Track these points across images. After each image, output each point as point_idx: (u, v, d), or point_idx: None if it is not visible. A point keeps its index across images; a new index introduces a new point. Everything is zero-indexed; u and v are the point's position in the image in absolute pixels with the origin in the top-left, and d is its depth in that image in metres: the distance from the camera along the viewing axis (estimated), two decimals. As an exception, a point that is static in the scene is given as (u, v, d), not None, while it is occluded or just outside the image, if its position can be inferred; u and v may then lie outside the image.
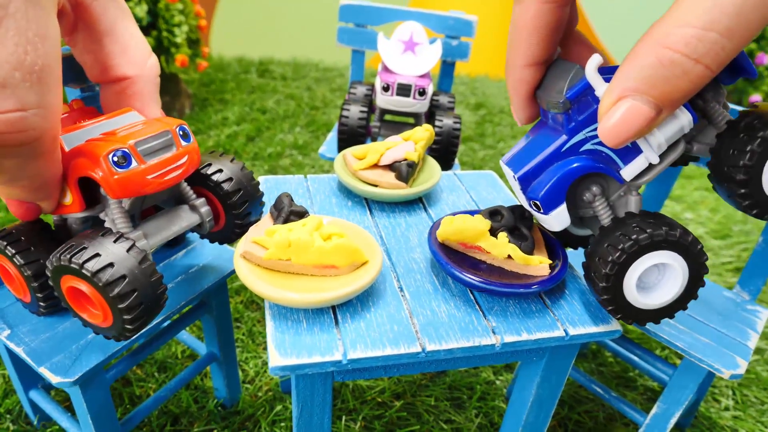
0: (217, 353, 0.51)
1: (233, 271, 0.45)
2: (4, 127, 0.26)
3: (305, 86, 1.58)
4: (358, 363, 0.30)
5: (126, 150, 0.31)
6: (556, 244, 0.38)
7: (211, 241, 0.42)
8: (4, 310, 0.40)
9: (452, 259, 0.35)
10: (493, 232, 0.36)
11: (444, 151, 0.57)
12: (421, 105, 0.56)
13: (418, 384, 0.58)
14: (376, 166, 0.46)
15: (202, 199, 0.38)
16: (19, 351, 0.37)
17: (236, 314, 0.66)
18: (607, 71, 0.30)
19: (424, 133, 0.49)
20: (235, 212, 0.38)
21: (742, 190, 0.30)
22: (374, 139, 0.61)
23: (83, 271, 0.29)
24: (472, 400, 0.57)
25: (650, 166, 0.32)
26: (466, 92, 1.67)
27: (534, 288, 0.33)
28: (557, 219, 0.33)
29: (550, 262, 0.35)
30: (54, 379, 0.35)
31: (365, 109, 0.58)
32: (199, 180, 0.38)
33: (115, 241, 0.31)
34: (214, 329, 0.50)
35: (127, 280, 0.30)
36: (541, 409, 0.39)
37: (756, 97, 1.40)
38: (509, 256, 0.35)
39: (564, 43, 0.35)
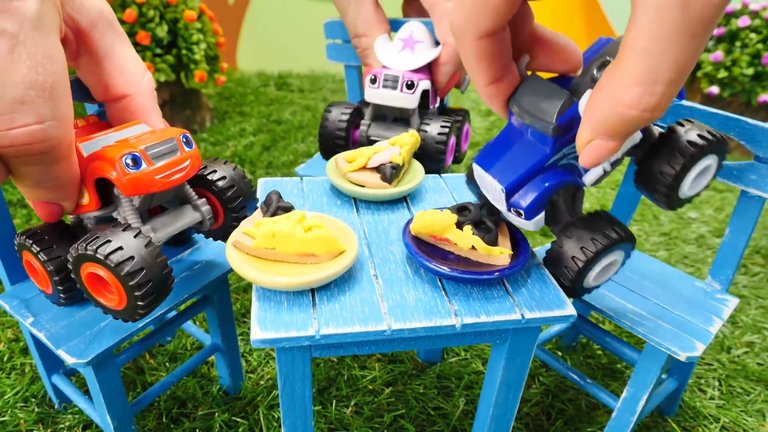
0: (220, 344, 0.55)
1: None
2: (27, 138, 0.31)
3: (321, 98, 1.64)
4: (330, 338, 0.34)
5: (137, 153, 0.36)
6: (521, 237, 0.41)
7: (214, 239, 0.47)
8: (29, 300, 0.45)
9: (423, 251, 0.39)
10: (460, 226, 0.39)
11: (428, 159, 0.55)
12: (409, 99, 0.54)
13: (408, 374, 0.62)
14: (364, 168, 0.50)
15: (203, 200, 0.43)
16: (41, 336, 0.42)
17: (242, 310, 0.70)
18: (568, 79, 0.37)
19: (409, 139, 0.53)
20: (230, 206, 0.43)
21: (664, 198, 0.39)
22: (362, 141, 0.60)
23: (98, 255, 0.34)
24: (460, 388, 0.60)
25: (603, 173, 0.38)
26: (477, 99, 1.70)
27: (495, 275, 0.37)
28: (536, 223, 0.39)
29: (511, 252, 0.39)
30: (70, 359, 0.40)
31: (347, 112, 0.57)
32: (199, 181, 0.43)
33: (123, 230, 0.36)
34: (216, 321, 0.54)
35: (135, 260, 0.35)
36: (509, 391, 0.42)
37: (765, 98, 1.39)
38: (473, 247, 0.38)
39: (528, 45, 0.37)
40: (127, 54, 0.40)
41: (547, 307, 0.37)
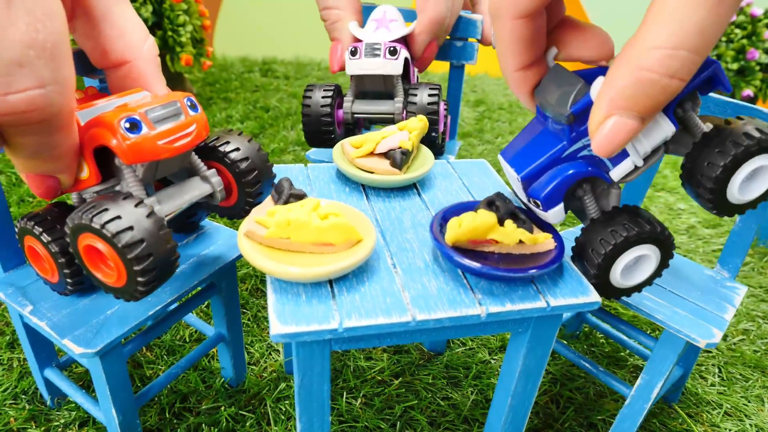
0: (225, 334, 0.54)
1: (241, 255, 0.48)
2: (26, 105, 0.28)
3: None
4: (353, 331, 0.32)
5: (136, 117, 0.33)
6: (541, 220, 0.40)
7: (221, 216, 0.44)
8: (25, 288, 0.43)
9: (467, 256, 0.36)
10: (500, 222, 0.37)
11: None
12: (393, 65, 0.52)
13: (416, 364, 0.61)
14: (372, 154, 0.48)
15: (213, 170, 0.40)
16: (42, 325, 0.39)
17: (241, 300, 0.69)
18: (598, 71, 0.35)
19: (418, 123, 0.51)
20: (249, 190, 0.41)
21: (709, 195, 0.35)
22: (347, 120, 0.58)
23: (93, 224, 0.31)
24: (468, 378, 0.59)
25: (635, 168, 0.36)
26: (466, 90, 1.70)
27: (550, 267, 0.35)
28: (555, 215, 0.38)
29: (551, 235, 0.38)
30: (77, 350, 0.38)
31: (329, 90, 0.55)
32: (215, 156, 0.40)
33: (136, 206, 0.33)
34: (222, 310, 0.52)
35: (134, 230, 0.32)
36: (529, 379, 0.41)
37: (748, 92, 1.42)
38: (520, 241, 0.37)
39: (556, 33, 0.37)
40: (127, 16, 0.37)
41: (571, 294, 0.36)
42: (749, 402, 0.60)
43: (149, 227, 0.33)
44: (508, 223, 0.37)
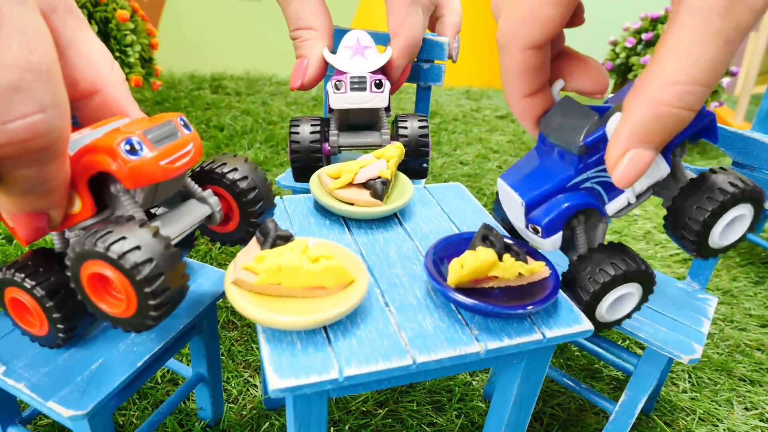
0: (205, 374, 0.51)
1: (224, 293, 0.46)
2: (27, 132, 0.26)
3: (260, 101, 1.58)
4: (353, 379, 0.32)
5: (135, 138, 0.31)
6: (529, 247, 0.40)
7: (214, 241, 0.42)
8: (-8, 345, 0.39)
9: (471, 297, 0.36)
10: (498, 257, 0.37)
11: (414, 157, 0.54)
12: (380, 99, 0.52)
13: (399, 391, 0.60)
14: (350, 184, 0.48)
15: (209, 191, 0.38)
16: (21, 387, 0.36)
17: (214, 335, 0.66)
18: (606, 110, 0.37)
19: (395, 151, 0.51)
20: (250, 209, 0.39)
21: (694, 238, 0.38)
22: (333, 152, 0.57)
23: (109, 253, 0.29)
24: (452, 402, 0.59)
25: (628, 204, 0.38)
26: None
27: (548, 302, 0.36)
28: (553, 243, 0.38)
29: (544, 263, 0.38)
30: (66, 413, 0.35)
31: (317, 124, 0.54)
32: (213, 179, 0.39)
33: (153, 236, 0.31)
34: (202, 350, 0.50)
35: (154, 263, 0.30)
36: (522, 407, 0.42)
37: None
38: (519, 274, 0.37)
39: (558, 63, 0.38)
40: (92, 43, 0.35)
41: (565, 324, 0.36)
42: (720, 406, 0.62)
43: (168, 259, 0.31)
44: (506, 257, 0.37)
